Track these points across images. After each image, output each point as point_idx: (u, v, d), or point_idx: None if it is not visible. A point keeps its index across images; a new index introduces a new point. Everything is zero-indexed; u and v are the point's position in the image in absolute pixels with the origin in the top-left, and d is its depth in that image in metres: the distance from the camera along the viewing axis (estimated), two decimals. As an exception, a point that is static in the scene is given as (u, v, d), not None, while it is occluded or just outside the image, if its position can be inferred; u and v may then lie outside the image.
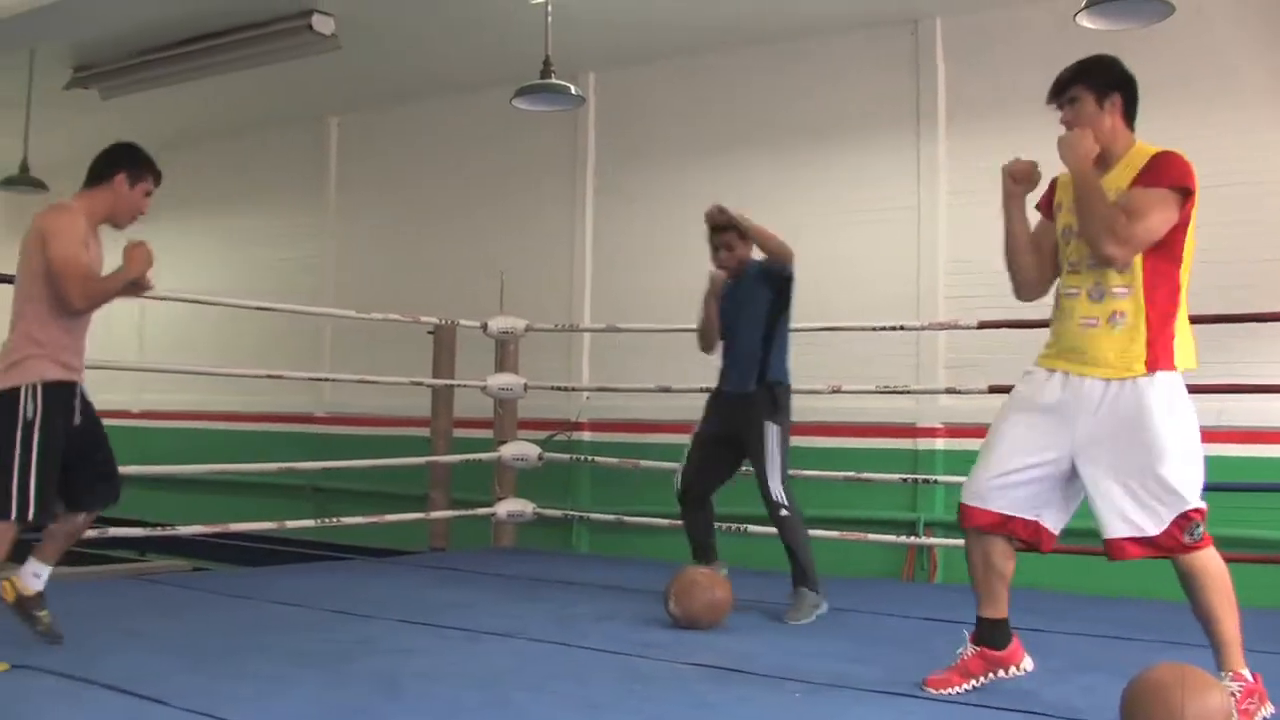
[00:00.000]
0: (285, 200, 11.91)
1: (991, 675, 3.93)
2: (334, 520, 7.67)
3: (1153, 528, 3.63)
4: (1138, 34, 6.52)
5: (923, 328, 7.65)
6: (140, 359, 12.01)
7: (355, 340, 10.74)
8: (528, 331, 8.46)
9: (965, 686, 3.90)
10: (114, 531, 7.07)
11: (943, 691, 3.88)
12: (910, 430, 8.22)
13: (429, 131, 10.87)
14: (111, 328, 11.91)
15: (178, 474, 10.52)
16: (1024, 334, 7.23)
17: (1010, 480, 3.83)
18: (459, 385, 8.53)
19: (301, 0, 8.36)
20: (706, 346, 6.21)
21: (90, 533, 6.89)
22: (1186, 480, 3.63)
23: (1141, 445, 3.62)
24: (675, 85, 9.51)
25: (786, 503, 5.68)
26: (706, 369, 6.67)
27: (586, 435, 9.49)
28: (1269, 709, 3.60)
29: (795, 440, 6.09)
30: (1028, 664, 3.98)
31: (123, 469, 4.73)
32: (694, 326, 6.19)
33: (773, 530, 5.79)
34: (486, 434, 8.64)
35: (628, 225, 9.64)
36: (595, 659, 4.54)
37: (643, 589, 6.11)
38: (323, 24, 8.45)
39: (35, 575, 4.46)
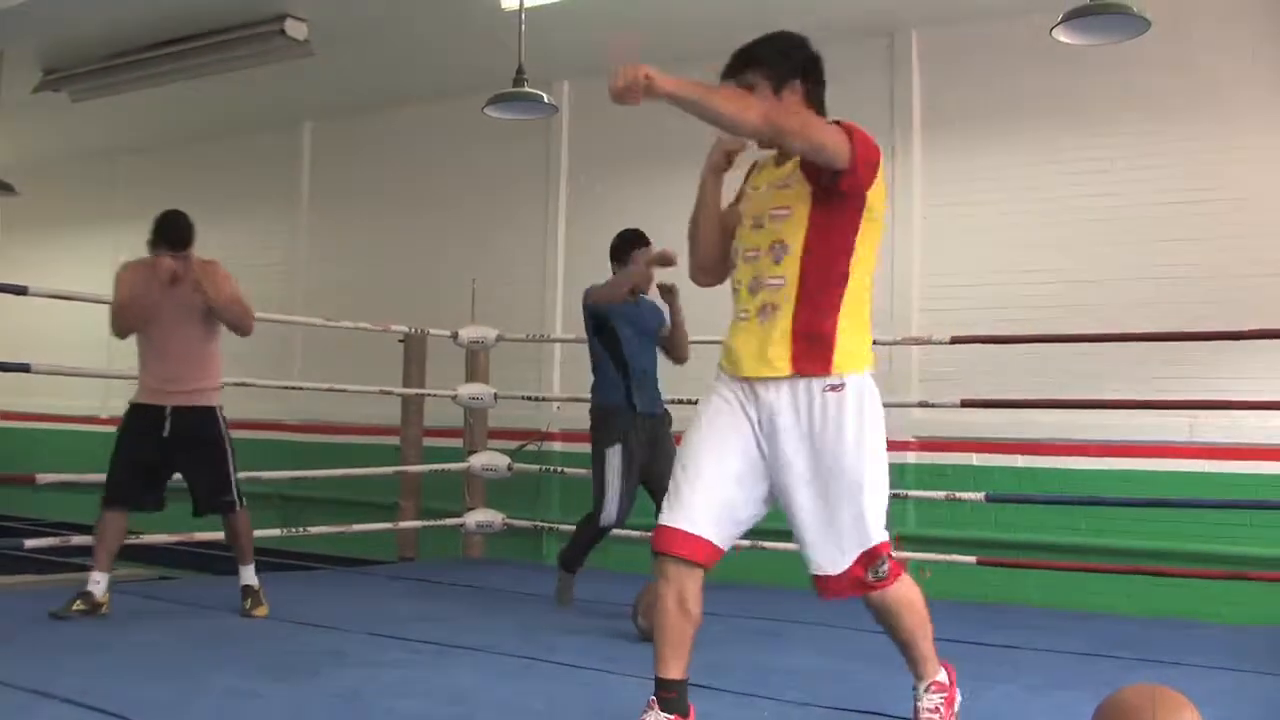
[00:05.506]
0: (257, 206, 11.82)
1: None
2: (301, 529, 7.61)
3: (831, 567, 3.18)
4: (1115, 49, 6.52)
5: (895, 343, 7.62)
6: (108, 365, 11.90)
7: (326, 348, 10.66)
8: (499, 341, 8.41)
9: None
10: (78, 540, 6.99)
11: None
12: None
13: (402, 139, 10.81)
14: (80, 334, 11.85)
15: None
16: (998, 348, 7.25)
17: (720, 499, 3.20)
18: (429, 394, 8.49)
19: (274, 5, 8.31)
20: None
21: (53, 540, 6.86)
22: (875, 510, 3.17)
23: (832, 465, 3.14)
24: (650, 95, 9.46)
25: None
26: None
27: (557, 445, 9.44)
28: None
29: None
30: None
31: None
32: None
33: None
34: (456, 443, 8.61)
35: (601, 235, 9.52)
36: (564, 674, 4.50)
37: (612, 601, 6.08)
38: (295, 29, 8.43)
39: None
